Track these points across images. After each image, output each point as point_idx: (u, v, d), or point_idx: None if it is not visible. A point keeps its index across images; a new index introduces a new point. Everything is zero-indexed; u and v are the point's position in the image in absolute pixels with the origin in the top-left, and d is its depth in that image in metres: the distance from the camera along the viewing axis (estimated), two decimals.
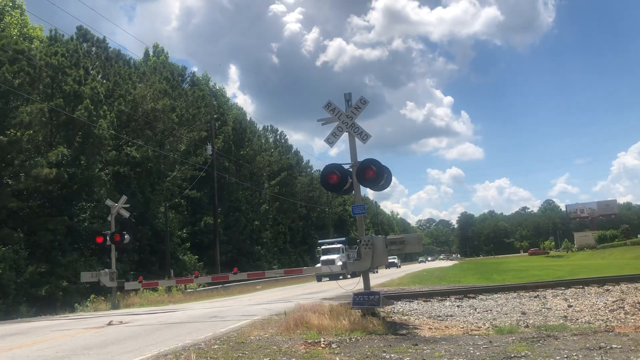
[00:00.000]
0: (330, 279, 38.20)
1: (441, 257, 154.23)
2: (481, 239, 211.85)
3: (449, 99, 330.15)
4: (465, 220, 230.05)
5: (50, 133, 31.71)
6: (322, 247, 44.46)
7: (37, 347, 10.23)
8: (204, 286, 32.83)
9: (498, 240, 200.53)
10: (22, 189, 29.02)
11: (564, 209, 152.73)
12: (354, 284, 14.20)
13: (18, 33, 36.87)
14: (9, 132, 28.96)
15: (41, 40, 38.55)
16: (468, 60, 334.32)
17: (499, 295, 15.82)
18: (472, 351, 7.72)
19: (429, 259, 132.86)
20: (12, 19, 37.64)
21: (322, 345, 8.66)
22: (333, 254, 40.53)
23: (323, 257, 40.65)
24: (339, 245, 43.36)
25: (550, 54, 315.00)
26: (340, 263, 34.20)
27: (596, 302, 13.44)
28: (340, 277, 36.41)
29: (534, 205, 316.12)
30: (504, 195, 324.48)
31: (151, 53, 56.19)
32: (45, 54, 32.06)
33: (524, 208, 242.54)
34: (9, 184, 28.77)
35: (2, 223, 28.03)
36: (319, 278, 41.19)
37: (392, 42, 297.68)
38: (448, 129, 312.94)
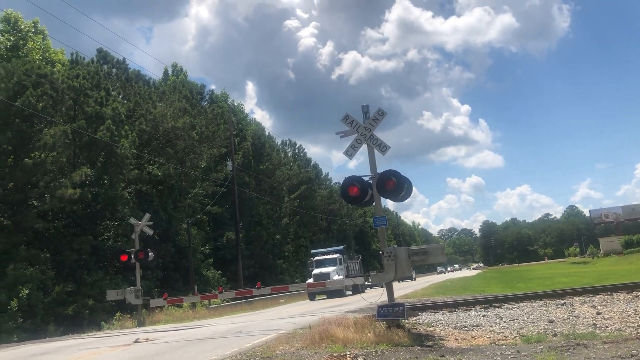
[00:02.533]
0: (328, 297, 34.54)
1: (456, 266, 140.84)
2: (504, 247, 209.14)
3: (466, 108, 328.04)
4: (488, 228, 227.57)
5: (74, 154, 32.27)
6: (315, 258, 38.19)
7: None
8: (227, 301, 32.88)
9: (522, 248, 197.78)
10: (48, 209, 29.50)
11: (587, 214, 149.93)
12: (378, 296, 14.16)
13: (41, 57, 37.72)
14: (33, 154, 29.51)
15: (63, 64, 39.38)
16: (484, 68, 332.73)
17: (524, 303, 15.62)
18: None
19: (449, 269, 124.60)
20: (35, 44, 38.53)
21: (348, 359, 8.66)
22: (328, 267, 35.17)
23: (316, 271, 35.01)
24: (335, 256, 37.09)
25: (567, 59, 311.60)
26: (337, 277, 32.79)
27: (626, 308, 13.20)
28: (343, 293, 34.05)
29: (557, 212, 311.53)
30: (526, 203, 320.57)
31: (170, 72, 57.03)
32: (67, 76, 32.75)
33: (547, 215, 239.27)
34: (34, 205, 29.27)
35: (28, 244, 28.51)
36: (311, 296, 35.55)
37: (407, 53, 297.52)
38: (466, 137, 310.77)
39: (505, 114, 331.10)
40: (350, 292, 36.18)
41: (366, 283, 35.10)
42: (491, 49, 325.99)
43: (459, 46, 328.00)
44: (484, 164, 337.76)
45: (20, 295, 25.15)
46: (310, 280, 32.95)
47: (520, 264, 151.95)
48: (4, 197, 28.56)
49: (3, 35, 37.17)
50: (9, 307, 24.73)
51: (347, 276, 34.53)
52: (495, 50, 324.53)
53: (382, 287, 33.97)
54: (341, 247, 41.57)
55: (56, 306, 27.29)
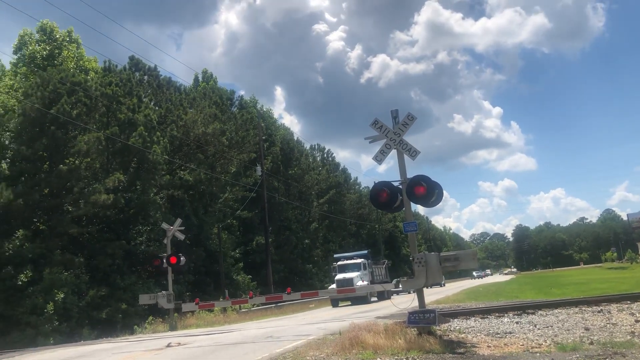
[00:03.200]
0: (352, 303, 33.54)
1: (488, 271, 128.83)
2: (538, 251, 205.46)
3: (497, 110, 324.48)
4: (521, 232, 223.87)
5: (107, 160, 32.91)
6: (339, 263, 36.62)
7: None
8: (257, 305, 33.02)
9: (556, 253, 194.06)
10: (82, 215, 30.12)
11: (625, 218, 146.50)
12: (408, 302, 14.03)
13: (75, 66, 38.59)
14: (68, 160, 30.22)
15: (96, 72, 40.21)
16: (516, 70, 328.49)
17: (559, 310, 15.29)
18: None
19: (481, 274, 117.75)
20: (69, 53, 39.45)
21: None
22: (352, 272, 33.71)
23: (339, 276, 33.57)
24: (359, 261, 35.54)
25: (603, 59, 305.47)
26: (361, 283, 31.61)
27: None
28: (368, 300, 32.99)
29: (593, 216, 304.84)
30: (560, 206, 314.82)
31: (200, 78, 57.75)
32: (100, 84, 33.44)
33: (582, 218, 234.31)
34: (69, 211, 29.91)
35: (63, 248, 29.15)
36: (334, 303, 34.42)
37: (436, 55, 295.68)
38: (498, 140, 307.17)
39: (538, 116, 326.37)
40: (375, 299, 35.40)
41: (396, 289, 34.54)
42: (523, 50, 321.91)
43: (489, 47, 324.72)
44: (516, 167, 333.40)
45: (56, 299, 25.74)
46: (333, 286, 31.77)
47: (554, 269, 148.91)
48: (39, 203, 29.26)
49: (39, 45, 38.14)
50: (45, 310, 25.32)
51: (372, 282, 33.86)
52: (527, 51, 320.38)
53: (409, 292, 33.10)
54: (365, 252, 39.63)
55: (90, 310, 27.81)
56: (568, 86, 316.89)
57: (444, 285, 61.53)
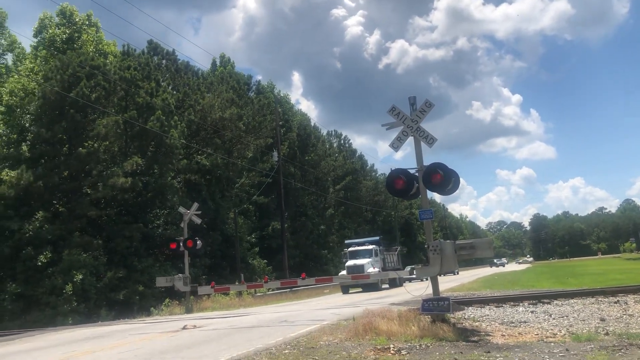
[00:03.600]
0: (363, 290, 33.01)
1: (503, 260, 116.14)
2: (555, 241, 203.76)
3: (517, 98, 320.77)
4: (538, 221, 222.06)
5: (125, 144, 33.19)
6: (349, 249, 36.27)
7: (117, 350, 10.72)
8: (273, 290, 33.17)
9: (574, 243, 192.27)
10: (100, 197, 30.49)
11: None
12: (423, 289, 14.03)
13: (94, 49, 38.79)
14: (87, 143, 30.53)
15: (115, 55, 40.40)
16: (537, 57, 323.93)
17: (575, 300, 15.18)
18: (547, 359, 7.47)
19: (498, 262, 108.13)
20: (89, 37, 39.62)
21: (392, 352, 8.62)
22: (363, 258, 33.24)
23: (349, 262, 33.36)
24: (370, 247, 34.95)
25: (627, 46, 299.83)
26: (372, 270, 31.11)
27: None
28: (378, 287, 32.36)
29: (612, 205, 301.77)
30: (579, 196, 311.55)
31: (218, 63, 57.76)
32: (119, 68, 33.64)
33: (601, 208, 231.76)
34: (87, 193, 30.29)
35: (82, 230, 29.56)
36: (344, 289, 33.95)
37: (456, 41, 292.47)
38: (517, 128, 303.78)
39: (558, 104, 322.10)
40: (387, 286, 34.86)
41: (408, 276, 34.29)
42: (544, 37, 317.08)
43: (510, 34, 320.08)
44: (535, 155, 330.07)
45: (75, 280, 26.18)
46: (344, 272, 31.43)
47: (571, 259, 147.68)
48: (59, 185, 29.67)
49: (59, 28, 38.36)
50: (64, 291, 25.78)
51: (383, 269, 33.47)
52: (548, 38, 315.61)
53: (421, 280, 32.80)
54: (377, 238, 38.77)
55: (108, 291, 28.25)
56: (590, 74, 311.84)
57: (458, 274, 58.57)
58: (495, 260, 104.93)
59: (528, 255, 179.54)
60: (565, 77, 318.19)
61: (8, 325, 25.17)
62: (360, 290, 33.48)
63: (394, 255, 39.80)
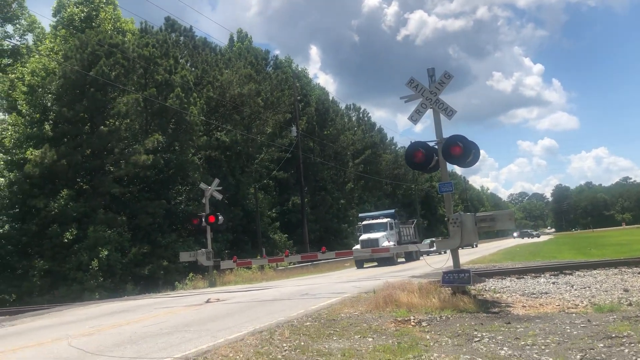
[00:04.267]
0: (378, 264, 32.34)
1: (515, 235, 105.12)
2: (578, 212, 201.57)
3: (539, 67, 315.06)
4: (560, 192, 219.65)
5: (146, 121, 33.46)
6: (363, 222, 35.17)
7: (143, 323, 10.99)
8: (294, 264, 33.43)
9: (597, 213, 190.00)
10: (123, 175, 30.89)
11: None
12: (443, 262, 14.08)
13: (112, 27, 38.88)
14: (108, 121, 30.83)
15: (133, 33, 40.44)
16: (559, 25, 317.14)
17: (598, 271, 15.11)
18: (568, 330, 7.48)
19: (515, 234, 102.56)
20: (107, 15, 39.69)
21: (412, 324, 8.71)
22: (377, 232, 32.39)
23: (363, 237, 32.47)
24: (385, 220, 33.85)
25: None
26: (387, 243, 30.47)
27: None
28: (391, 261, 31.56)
29: (637, 175, 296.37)
30: (602, 166, 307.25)
31: (235, 39, 57.54)
32: (137, 45, 33.70)
33: (626, 178, 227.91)
34: (110, 171, 30.70)
35: (106, 208, 30.06)
36: (359, 264, 33.29)
37: (476, 11, 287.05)
38: (539, 98, 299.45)
39: (581, 73, 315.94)
40: (402, 260, 34.47)
41: (426, 249, 33.88)
42: (567, 5, 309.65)
43: (531, 2, 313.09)
44: (557, 125, 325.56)
45: (100, 256, 26.74)
46: (357, 247, 30.65)
47: (594, 230, 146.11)
48: (82, 163, 30.11)
49: (77, 7, 38.48)
50: (90, 266, 26.36)
51: (399, 242, 32.79)
52: (571, 5, 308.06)
53: (439, 253, 32.43)
54: (392, 211, 37.81)
55: (133, 267, 28.82)
56: (615, 41, 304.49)
57: (476, 246, 54.61)
58: (529, 231, 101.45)
59: (549, 227, 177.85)
60: (589, 45, 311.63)
61: (37, 300, 25.92)
62: (376, 264, 32.97)
63: (410, 229, 38.91)
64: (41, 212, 28.11)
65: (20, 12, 41.74)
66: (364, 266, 32.91)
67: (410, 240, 36.42)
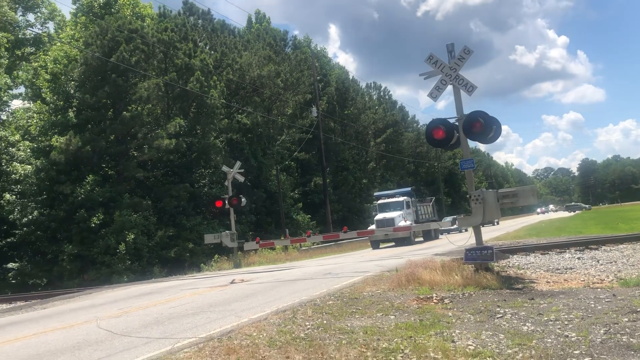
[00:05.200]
0: (396, 244, 31.37)
1: (551, 207, 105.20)
2: (605, 186, 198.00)
3: (563, 39, 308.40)
4: (587, 167, 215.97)
5: (167, 106, 33.72)
6: (379, 201, 33.81)
7: (169, 305, 11.20)
8: (317, 244, 33.48)
9: (625, 187, 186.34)
10: (147, 159, 31.28)
11: None
12: (465, 240, 14.02)
13: (131, 13, 39.04)
14: (130, 107, 31.15)
15: (152, 18, 40.59)
16: None
17: (625, 245, 14.87)
18: (593, 305, 7.42)
19: (538, 210, 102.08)
20: (125, 0, 39.86)
21: (435, 301, 8.72)
22: (393, 211, 31.10)
23: (379, 216, 31.18)
24: (401, 199, 32.59)
25: None
26: (403, 223, 29.52)
27: None
28: (406, 241, 30.57)
29: None
30: (631, 138, 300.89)
31: (254, 20, 57.39)
32: (156, 30, 33.85)
33: None
34: (134, 156, 31.11)
35: (131, 192, 30.52)
36: (374, 244, 32.26)
37: None
38: (564, 71, 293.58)
39: (608, 44, 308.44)
40: (421, 239, 33.66)
41: (446, 228, 33.18)
42: None
43: None
44: (583, 99, 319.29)
45: (127, 239, 27.22)
46: (373, 227, 29.46)
47: (622, 204, 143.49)
48: (107, 149, 30.53)
49: None
50: (117, 250, 26.88)
51: (416, 221, 31.77)
52: None
53: (460, 232, 31.68)
54: (409, 189, 36.35)
55: (159, 249, 29.30)
56: None
57: (498, 224, 51.77)
58: (580, 204, 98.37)
59: (576, 202, 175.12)
60: (616, 14, 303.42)
61: (67, 284, 26.59)
62: (393, 244, 32.15)
63: (429, 207, 37.52)
64: (68, 198, 28.67)
65: (40, 0, 42.16)
66: (380, 247, 32.09)
67: (429, 219, 35.17)
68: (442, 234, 34.26)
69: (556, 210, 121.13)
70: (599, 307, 7.25)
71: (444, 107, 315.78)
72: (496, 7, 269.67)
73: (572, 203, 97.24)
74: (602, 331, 5.99)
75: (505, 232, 33.05)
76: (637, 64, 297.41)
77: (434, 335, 6.35)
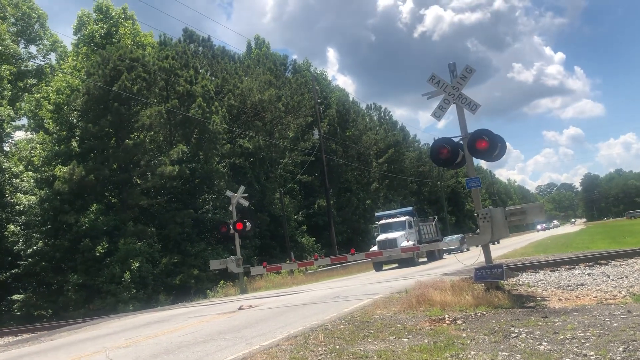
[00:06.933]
0: (400, 266, 31.01)
1: (539, 227, 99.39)
2: (609, 200, 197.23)
3: (560, 56, 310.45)
4: (590, 181, 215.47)
5: (170, 132, 33.83)
6: (380, 222, 33.25)
7: (178, 333, 11.08)
8: (323, 267, 33.24)
9: (629, 201, 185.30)
10: (150, 187, 31.27)
11: None
12: (474, 258, 13.92)
13: (132, 42, 39.45)
14: (133, 135, 31.27)
15: (152, 46, 41.00)
16: (579, 12, 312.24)
17: (635, 260, 14.77)
18: (608, 322, 7.32)
19: (538, 227, 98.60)
20: (126, 30, 40.31)
21: (447, 322, 8.62)
22: (395, 232, 30.70)
23: (380, 237, 30.77)
24: (403, 219, 32.10)
25: None
26: (405, 243, 29.03)
27: None
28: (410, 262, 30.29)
29: None
30: (632, 152, 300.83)
31: (253, 45, 57.88)
32: (157, 58, 34.13)
33: None
34: (138, 184, 31.12)
35: (135, 220, 30.45)
36: (377, 266, 31.77)
37: (492, 2, 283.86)
38: (562, 87, 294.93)
39: (604, 59, 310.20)
40: (424, 259, 33.07)
41: (455, 248, 33.05)
42: None
43: None
44: (582, 113, 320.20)
45: (132, 267, 27.08)
46: (375, 248, 29.17)
47: (632, 218, 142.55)
48: (110, 177, 30.57)
49: (97, 24, 39.15)
50: (122, 279, 26.73)
51: (419, 241, 31.06)
52: None
53: (462, 251, 31.40)
54: (410, 209, 35.79)
55: (165, 277, 29.12)
56: (636, 24, 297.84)
57: (499, 243, 46.42)
58: (537, 226, 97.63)
59: (577, 218, 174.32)
60: (611, 30, 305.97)
61: (73, 314, 26.39)
62: (396, 266, 31.66)
63: (431, 226, 36.83)
64: (72, 228, 28.61)
65: (42, 32, 42.71)
66: (383, 268, 31.60)
67: (432, 238, 34.64)
68: (449, 253, 33.99)
69: (559, 226, 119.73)
70: (615, 324, 7.15)
71: (444, 125, 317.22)
72: (492, 26, 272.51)
73: (538, 226, 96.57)
74: (620, 349, 5.90)
75: (512, 250, 32.87)
76: (635, 78, 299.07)
77: (450, 358, 6.26)
